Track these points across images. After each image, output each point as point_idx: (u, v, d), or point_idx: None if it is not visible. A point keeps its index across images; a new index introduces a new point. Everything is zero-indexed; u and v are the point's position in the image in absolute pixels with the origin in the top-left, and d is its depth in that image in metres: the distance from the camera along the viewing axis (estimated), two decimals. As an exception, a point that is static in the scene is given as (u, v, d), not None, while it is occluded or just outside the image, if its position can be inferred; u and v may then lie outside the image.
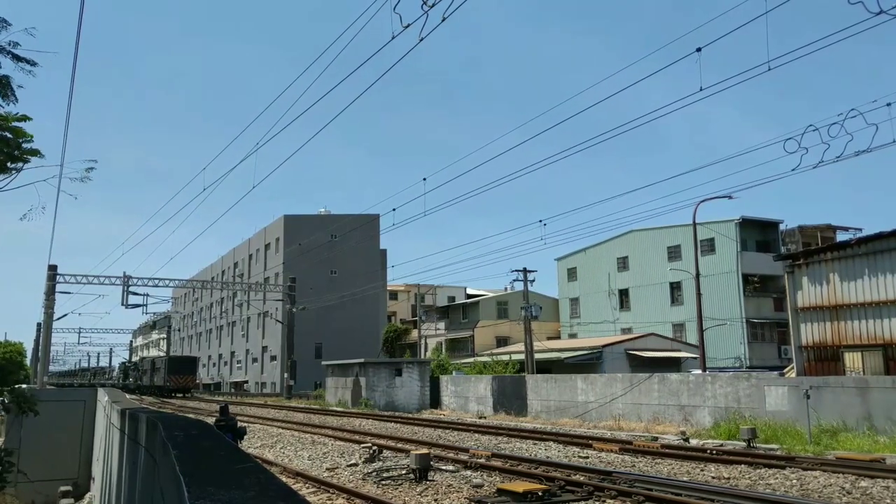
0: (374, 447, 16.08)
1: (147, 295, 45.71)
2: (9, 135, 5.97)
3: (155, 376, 51.87)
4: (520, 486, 10.87)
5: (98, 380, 77.75)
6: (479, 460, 14.40)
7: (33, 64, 5.97)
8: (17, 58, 5.94)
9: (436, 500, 10.72)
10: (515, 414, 29.64)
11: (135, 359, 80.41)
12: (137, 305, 45.54)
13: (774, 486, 11.39)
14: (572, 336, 54.84)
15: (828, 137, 14.26)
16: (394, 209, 71.81)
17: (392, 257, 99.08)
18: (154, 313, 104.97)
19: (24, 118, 5.94)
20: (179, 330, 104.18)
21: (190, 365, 52.99)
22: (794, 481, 11.78)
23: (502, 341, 55.63)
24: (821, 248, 23.91)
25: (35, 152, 6.04)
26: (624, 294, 52.06)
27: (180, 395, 50.18)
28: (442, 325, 61.70)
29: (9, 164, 5.99)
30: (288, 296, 51.64)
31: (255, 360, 71.86)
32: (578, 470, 12.93)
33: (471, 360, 47.27)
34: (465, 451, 16.16)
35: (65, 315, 58.47)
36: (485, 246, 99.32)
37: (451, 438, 20.06)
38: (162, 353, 73.45)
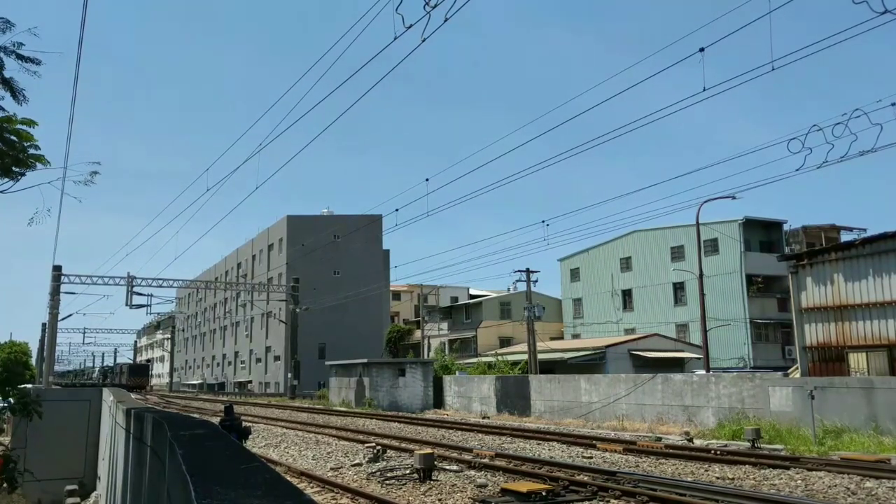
0: (378, 447, 16.11)
1: (151, 295, 45.89)
2: (13, 137, 5.98)
3: (121, 378, 66.14)
4: (524, 486, 10.88)
5: (79, 380, 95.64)
6: (482, 460, 14.42)
7: (37, 63, 5.96)
8: (21, 57, 5.94)
9: (440, 499, 10.74)
10: (519, 414, 29.64)
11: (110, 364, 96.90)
12: (142, 306, 45.65)
13: (779, 487, 11.38)
14: (575, 336, 54.77)
15: (832, 137, 14.23)
16: (396, 209, 71.68)
17: (395, 258, 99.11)
18: (158, 314, 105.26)
19: (30, 122, 5.94)
20: (183, 330, 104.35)
21: (144, 370, 72.18)
22: (799, 482, 11.76)
23: (505, 342, 55.58)
24: (825, 248, 23.86)
25: (40, 158, 6.03)
26: (627, 294, 51.97)
27: (136, 389, 63.18)
28: (445, 325, 61.68)
29: (14, 168, 5.98)
30: (291, 296, 51.71)
31: (258, 360, 71.97)
32: (582, 470, 12.94)
33: (474, 360, 47.26)
34: (469, 451, 16.18)
35: (69, 315, 58.47)
36: (488, 246, 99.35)
37: (455, 438, 20.07)
38: (129, 361, 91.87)
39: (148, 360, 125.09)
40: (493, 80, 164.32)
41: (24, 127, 5.99)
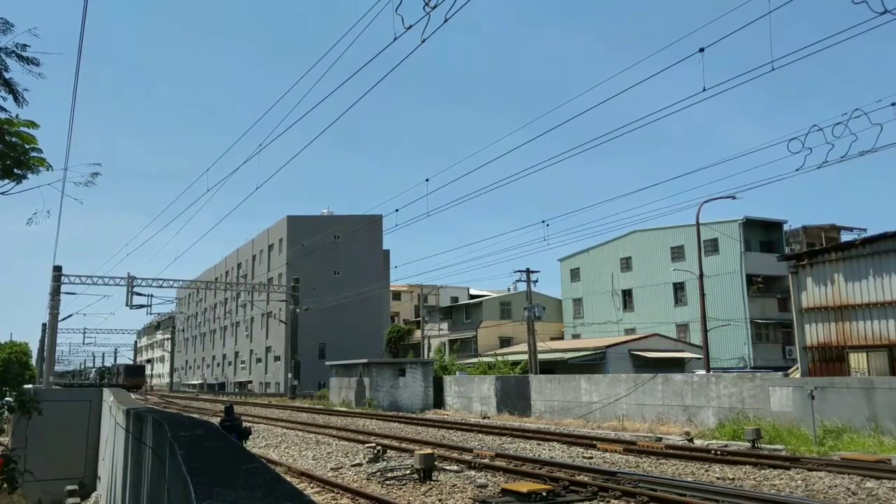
0: (378, 447, 16.11)
1: (151, 296, 45.89)
2: (15, 140, 5.97)
3: (118, 378, 68.22)
4: (524, 486, 10.88)
5: (76, 380, 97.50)
6: (483, 460, 14.42)
7: (37, 63, 5.97)
8: (22, 59, 5.94)
9: (440, 500, 10.74)
10: (519, 414, 29.64)
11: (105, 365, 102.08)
12: (142, 306, 45.65)
13: (779, 487, 11.38)
14: (576, 336, 54.77)
15: (832, 137, 14.20)
16: (396, 210, 71.55)
17: (395, 258, 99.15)
18: (158, 314, 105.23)
19: (32, 124, 5.93)
20: (184, 330, 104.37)
21: (140, 371, 73.97)
22: (799, 482, 11.76)
23: (505, 342, 55.60)
24: (825, 248, 23.85)
25: (42, 161, 6.02)
26: (627, 294, 51.96)
27: (133, 389, 64.70)
28: (445, 325, 61.69)
29: (15, 170, 5.97)
30: (291, 296, 51.72)
31: (258, 360, 71.99)
32: (582, 470, 12.94)
33: (474, 360, 47.27)
34: (469, 451, 16.18)
35: (70, 315, 58.51)
36: (488, 246, 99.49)
37: (455, 438, 20.07)
38: (128, 362, 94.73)
39: (148, 360, 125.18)
40: (493, 80, 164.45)
41: (25, 129, 5.99)
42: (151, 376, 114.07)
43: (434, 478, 12.39)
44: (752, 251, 44.50)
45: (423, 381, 36.60)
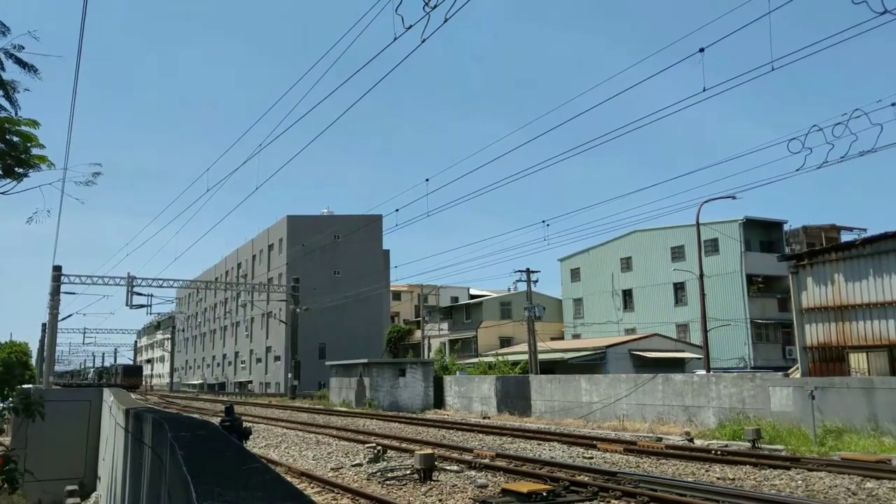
0: (379, 447, 16.11)
1: (151, 296, 45.89)
2: (16, 139, 5.97)
3: (116, 378, 68.77)
4: (524, 486, 10.89)
5: (75, 380, 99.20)
6: (483, 461, 14.43)
7: (35, 70, 5.98)
8: (20, 63, 5.95)
9: (440, 500, 10.74)
10: (519, 414, 29.64)
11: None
12: (142, 306, 45.66)
13: (779, 487, 11.38)
14: (576, 337, 54.76)
15: (832, 137, 14.20)
16: (397, 210, 71.53)
17: (395, 258, 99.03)
18: (158, 314, 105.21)
19: (33, 123, 5.93)
20: (184, 330, 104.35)
21: (138, 371, 75.29)
22: (800, 482, 11.76)
23: (506, 342, 55.59)
24: (825, 248, 23.84)
25: (43, 159, 6.02)
26: (627, 294, 51.95)
27: (130, 389, 66.05)
28: (445, 325, 61.66)
29: (16, 169, 5.97)
30: (291, 296, 51.72)
31: (259, 360, 71.99)
32: (583, 470, 12.94)
33: (475, 360, 47.26)
34: (470, 451, 16.18)
35: (69, 315, 58.41)
36: (488, 246, 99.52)
37: (456, 439, 20.08)
38: (127, 362, 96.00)
39: (148, 360, 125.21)
40: (493, 80, 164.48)
41: (27, 128, 5.99)
42: (151, 376, 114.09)
43: (434, 478, 12.40)
44: (752, 251, 44.49)
45: (424, 381, 36.60)
